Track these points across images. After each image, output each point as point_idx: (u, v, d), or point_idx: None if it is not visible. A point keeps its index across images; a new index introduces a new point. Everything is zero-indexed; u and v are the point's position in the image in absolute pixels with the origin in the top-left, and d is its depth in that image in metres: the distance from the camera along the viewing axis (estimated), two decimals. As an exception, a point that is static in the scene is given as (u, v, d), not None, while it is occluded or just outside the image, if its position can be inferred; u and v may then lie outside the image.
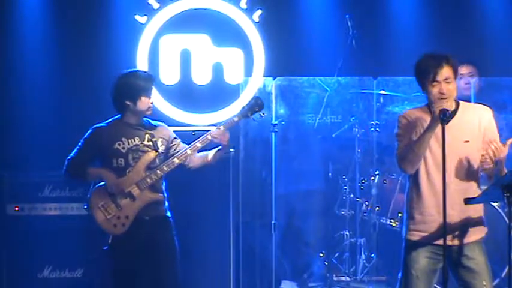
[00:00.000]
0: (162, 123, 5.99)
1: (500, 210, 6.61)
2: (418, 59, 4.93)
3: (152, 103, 5.80)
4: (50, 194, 6.98)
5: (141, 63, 7.66)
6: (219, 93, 7.77)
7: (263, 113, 5.95)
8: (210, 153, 5.90)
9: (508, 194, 4.68)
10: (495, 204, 6.57)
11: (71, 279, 6.95)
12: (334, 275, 7.58)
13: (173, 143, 5.91)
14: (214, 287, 7.00)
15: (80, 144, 5.83)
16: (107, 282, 5.90)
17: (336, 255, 7.61)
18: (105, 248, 5.75)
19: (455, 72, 4.88)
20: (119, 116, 5.84)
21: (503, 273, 6.51)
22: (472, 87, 7.34)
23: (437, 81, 4.82)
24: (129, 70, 5.96)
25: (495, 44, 7.86)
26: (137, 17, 7.74)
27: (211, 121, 7.58)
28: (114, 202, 5.70)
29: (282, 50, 7.83)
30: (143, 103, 5.74)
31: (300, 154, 7.75)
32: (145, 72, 6.08)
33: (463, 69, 7.18)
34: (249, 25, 7.78)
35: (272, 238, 7.35)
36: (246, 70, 7.76)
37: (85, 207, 5.83)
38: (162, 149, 5.82)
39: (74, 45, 7.76)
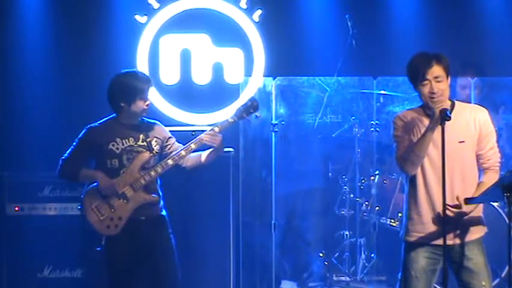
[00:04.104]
0: (158, 123, 5.92)
1: (500, 210, 6.61)
2: (410, 59, 4.87)
3: (148, 105, 5.72)
4: (50, 194, 6.97)
5: (141, 63, 7.65)
6: (219, 93, 7.76)
7: (259, 114, 5.89)
8: (204, 154, 5.81)
9: (508, 194, 4.68)
10: (495, 204, 6.57)
11: (71, 279, 6.94)
12: (334, 275, 7.59)
13: (168, 143, 5.84)
14: (214, 287, 6.99)
15: (74, 144, 5.77)
16: (106, 282, 5.88)
17: (336, 255, 7.62)
18: (98, 248, 5.73)
19: (447, 71, 4.79)
20: (113, 115, 5.78)
21: (503, 273, 6.52)
22: (471, 87, 7.36)
23: (427, 80, 4.76)
24: (125, 71, 5.87)
25: (495, 44, 7.85)
26: (137, 17, 7.74)
27: (211, 121, 7.57)
28: (107, 203, 5.65)
29: (282, 50, 7.82)
30: (137, 106, 5.66)
31: (300, 154, 7.76)
32: (142, 73, 5.90)
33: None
34: (249, 25, 7.78)
35: (272, 238, 7.36)
36: (246, 70, 7.75)
37: (79, 208, 5.80)
38: (156, 149, 5.76)
39: (74, 45, 7.76)
